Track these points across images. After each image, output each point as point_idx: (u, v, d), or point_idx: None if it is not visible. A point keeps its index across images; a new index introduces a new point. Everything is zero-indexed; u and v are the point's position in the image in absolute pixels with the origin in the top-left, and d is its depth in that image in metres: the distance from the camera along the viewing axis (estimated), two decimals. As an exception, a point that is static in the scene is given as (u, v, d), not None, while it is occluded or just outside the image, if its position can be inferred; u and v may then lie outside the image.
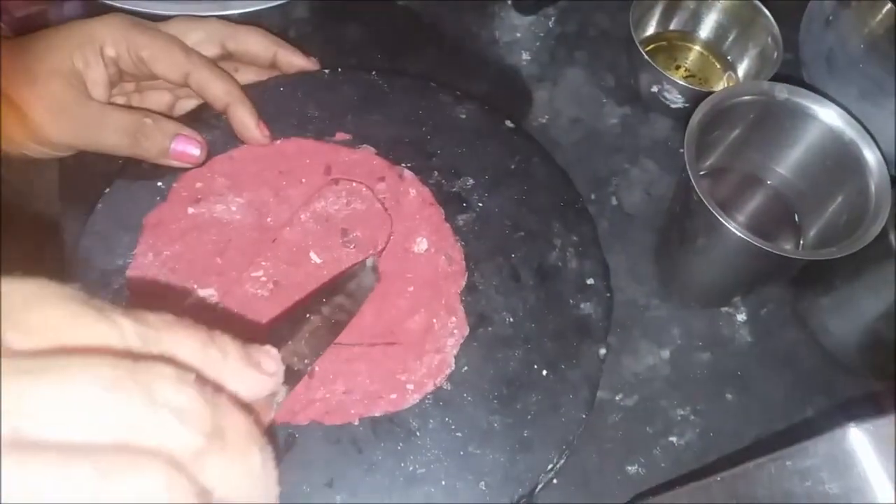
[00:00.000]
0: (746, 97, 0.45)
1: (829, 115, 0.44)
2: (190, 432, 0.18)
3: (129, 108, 0.46)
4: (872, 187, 0.41)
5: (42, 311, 0.19)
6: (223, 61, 0.50)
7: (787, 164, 0.48)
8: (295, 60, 0.51)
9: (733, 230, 0.39)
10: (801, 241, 0.48)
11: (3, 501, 0.16)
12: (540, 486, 0.41)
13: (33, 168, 0.49)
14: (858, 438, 0.28)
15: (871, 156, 0.42)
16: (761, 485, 0.31)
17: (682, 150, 0.43)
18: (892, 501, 0.27)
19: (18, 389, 0.17)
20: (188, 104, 0.50)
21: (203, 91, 0.46)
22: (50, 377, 0.17)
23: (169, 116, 0.48)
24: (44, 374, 0.17)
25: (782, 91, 0.44)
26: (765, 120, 0.46)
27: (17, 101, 0.43)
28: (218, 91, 0.46)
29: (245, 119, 0.47)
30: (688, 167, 0.41)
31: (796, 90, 0.45)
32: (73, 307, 0.20)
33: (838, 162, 0.44)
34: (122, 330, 0.20)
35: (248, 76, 0.51)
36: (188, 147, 0.46)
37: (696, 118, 0.42)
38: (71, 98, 0.44)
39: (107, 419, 0.17)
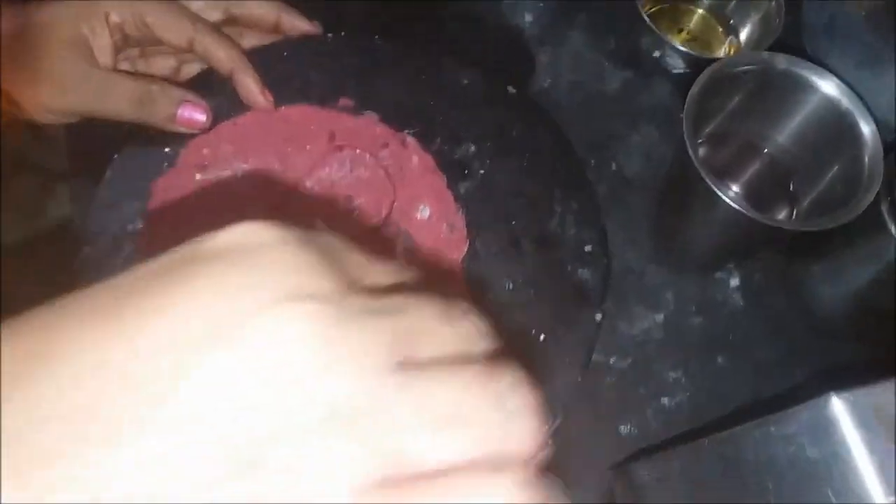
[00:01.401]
0: (746, 66, 0.45)
1: (826, 86, 0.45)
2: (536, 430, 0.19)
3: (136, 74, 0.47)
4: (866, 159, 0.42)
5: None
6: (227, 25, 0.50)
7: (785, 132, 0.48)
8: (298, 24, 0.51)
9: (729, 203, 0.40)
10: (796, 209, 0.49)
11: None
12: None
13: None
14: (839, 407, 0.30)
15: (866, 128, 0.43)
16: (747, 448, 0.33)
17: (682, 116, 0.44)
18: (870, 467, 0.29)
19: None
20: (192, 68, 0.51)
21: (207, 57, 0.47)
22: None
23: (174, 82, 0.48)
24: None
25: (781, 61, 0.45)
26: (764, 89, 0.46)
27: (24, 68, 0.43)
28: (222, 57, 0.47)
29: (249, 85, 0.47)
30: (686, 139, 0.42)
31: (795, 60, 0.45)
32: None
33: (834, 132, 0.45)
34: None
35: (252, 40, 0.51)
36: (194, 113, 0.46)
37: (695, 89, 0.43)
38: (78, 66, 0.44)
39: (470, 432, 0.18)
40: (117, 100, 0.45)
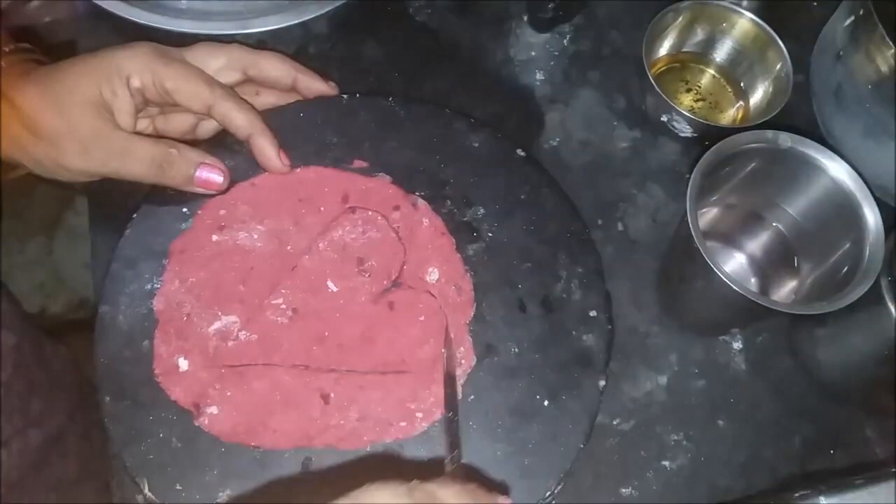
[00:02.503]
0: (752, 145, 0.46)
1: (833, 167, 0.45)
2: None
3: (155, 137, 0.48)
4: (868, 243, 0.43)
5: None
6: (244, 85, 0.51)
7: (791, 207, 0.49)
8: (314, 85, 0.52)
9: (728, 283, 0.41)
10: (799, 282, 0.50)
11: None
12: (538, 512, 0.44)
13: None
14: (829, 508, 0.31)
15: (869, 212, 0.44)
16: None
17: (688, 177, 0.45)
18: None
19: None
20: (210, 125, 0.52)
21: (226, 122, 0.48)
22: None
23: (192, 142, 0.50)
24: None
25: (786, 140, 0.46)
26: (770, 165, 0.47)
27: (46, 129, 0.45)
28: (240, 122, 0.48)
29: (266, 149, 0.49)
30: (688, 216, 0.43)
31: (800, 140, 0.46)
32: None
33: (838, 213, 0.46)
34: None
35: (268, 99, 0.52)
36: (211, 175, 0.48)
37: (699, 169, 0.44)
38: (98, 128, 0.46)
39: None
40: (137, 163, 0.46)
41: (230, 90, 0.48)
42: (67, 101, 0.45)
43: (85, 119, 0.45)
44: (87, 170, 0.47)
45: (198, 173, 0.48)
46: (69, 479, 0.68)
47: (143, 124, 0.50)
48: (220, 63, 0.49)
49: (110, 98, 0.46)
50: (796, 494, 0.31)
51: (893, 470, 0.31)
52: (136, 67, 0.46)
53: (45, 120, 0.45)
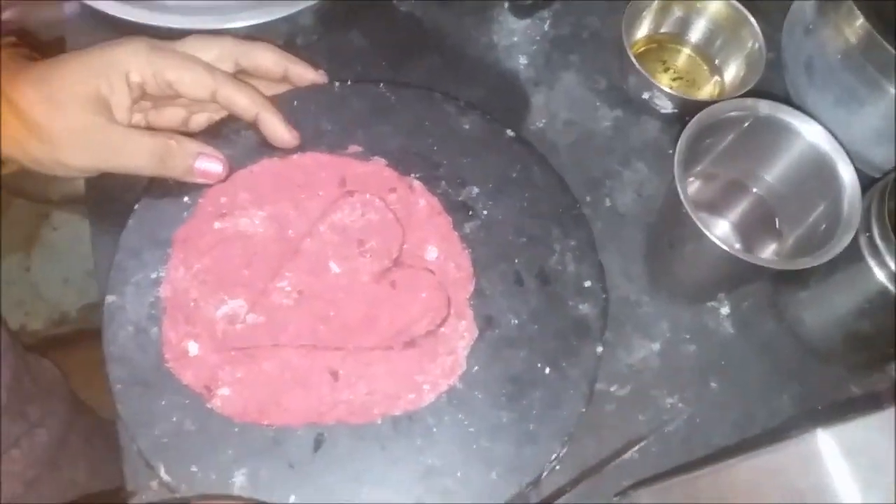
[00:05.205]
0: (732, 112, 0.48)
1: (808, 131, 0.48)
2: None
3: (153, 130, 0.49)
4: (845, 201, 0.45)
5: None
6: (238, 76, 0.52)
7: (771, 173, 0.51)
8: (306, 74, 0.54)
9: (717, 243, 0.43)
10: (781, 245, 0.52)
11: None
12: (545, 474, 0.45)
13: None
14: (825, 441, 0.32)
15: (845, 171, 0.46)
16: (740, 480, 0.36)
17: (670, 152, 0.47)
18: (856, 498, 0.32)
19: None
20: (201, 118, 0.53)
21: (231, 105, 0.49)
22: None
23: (187, 133, 0.50)
24: None
25: (765, 107, 0.48)
26: (750, 133, 0.49)
27: (44, 127, 0.45)
28: (245, 103, 0.49)
29: (275, 125, 0.50)
30: (677, 182, 0.45)
31: (778, 106, 0.48)
32: None
33: (816, 175, 0.48)
34: None
35: (262, 90, 0.53)
36: (210, 164, 0.49)
37: (684, 135, 0.46)
38: (97, 124, 0.46)
39: None
40: (136, 156, 0.47)
41: (229, 74, 0.49)
42: (64, 97, 0.45)
43: (83, 115, 0.46)
44: (86, 166, 0.47)
45: (197, 163, 0.48)
46: (82, 482, 0.68)
47: (136, 118, 0.51)
48: (212, 55, 0.50)
49: (108, 94, 0.46)
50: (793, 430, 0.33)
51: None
52: (135, 62, 0.47)
53: (42, 117, 0.45)
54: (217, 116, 0.53)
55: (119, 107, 0.47)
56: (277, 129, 0.50)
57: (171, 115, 0.52)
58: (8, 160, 0.47)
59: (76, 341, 1.10)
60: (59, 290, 1.31)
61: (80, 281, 1.30)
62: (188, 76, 0.47)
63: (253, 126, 0.51)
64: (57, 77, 0.46)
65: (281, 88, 0.54)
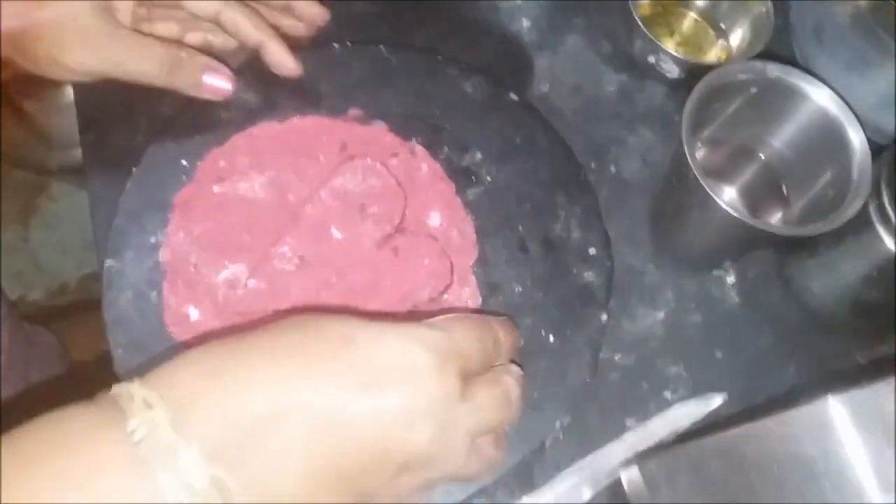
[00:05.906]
0: (741, 75, 0.47)
1: (817, 95, 0.47)
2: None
3: (162, 39, 0.47)
4: (855, 166, 0.44)
5: None
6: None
7: (779, 138, 0.50)
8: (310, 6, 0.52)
9: (725, 208, 0.43)
10: (789, 211, 0.51)
11: None
12: (549, 443, 0.45)
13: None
14: (836, 407, 0.32)
15: (855, 136, 0.45)
16: (749, 447, 0.35)
17: (676, 118, 0.46)
18: (867, 466, 0.31)
19: None
20: (194, 37, 0.51)
21: (234, 27, 0.48)
22: None
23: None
24: None
25: (774, 70, 0.47)
26: (758, 97, 0.48)
27: (47, 20, 0.43)
28: (249, 28, 0.48)
29: (278, 52, 0.49)
30: (685, 147, 0.44)
31: (787, 69, 0.47)
32: None
33: (825, 139, 0.47)
34: None
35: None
36: (219, 81, 0.48)
37: (692, 98, 0.45)
38: (102, 26, 0.44)
39: None
40: (146, 62, 0.45)
41: None
42: None
43: (87, 12, 0.43)
44: (89, 66, 0.45)
45: (205, 78, 0.47)
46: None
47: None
48: None
49: None
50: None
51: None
52: None
53: (42, 17, 0.43)
54: (212, 37, 0.51)
55: (121, 11, 0.46)
56: (282, 56, 0.49)
57: (165, 31, 0.50)
58: (7, 63, 0.46)
59: (76, 311, 1.10)
60: (58, 260, 1.30)
61: (79, 251, 1.29)
62: None
63: (255, 53, 0.49)
64: None
65: (284, 22, 0.52)
